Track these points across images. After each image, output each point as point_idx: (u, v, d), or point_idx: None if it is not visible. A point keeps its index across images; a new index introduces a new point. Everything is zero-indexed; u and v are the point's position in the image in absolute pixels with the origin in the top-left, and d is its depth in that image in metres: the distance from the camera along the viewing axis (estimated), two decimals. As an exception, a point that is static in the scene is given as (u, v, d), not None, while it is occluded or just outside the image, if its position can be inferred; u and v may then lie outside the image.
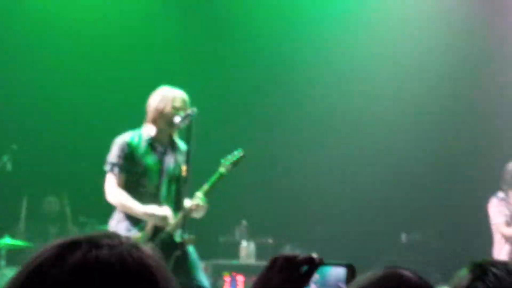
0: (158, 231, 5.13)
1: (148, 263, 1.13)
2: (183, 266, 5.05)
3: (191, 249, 5.24)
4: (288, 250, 8.39)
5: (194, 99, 5.38)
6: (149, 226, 5.12)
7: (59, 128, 8.67)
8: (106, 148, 5.32)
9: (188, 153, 5.22)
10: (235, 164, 5.34)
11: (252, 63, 9.17)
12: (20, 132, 8.27)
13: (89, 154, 7.80)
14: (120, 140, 5.22)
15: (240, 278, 7.51)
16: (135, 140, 5.23)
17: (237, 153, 5.39)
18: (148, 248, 1.17)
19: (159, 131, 5.26)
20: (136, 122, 5.37)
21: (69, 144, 8.63)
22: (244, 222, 8.26)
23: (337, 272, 1.46)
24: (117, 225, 5.15)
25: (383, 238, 8.75)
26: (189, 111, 5.21)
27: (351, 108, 9.22)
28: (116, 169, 5.16)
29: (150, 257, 1.15)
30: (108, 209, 5.30)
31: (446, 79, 9.16)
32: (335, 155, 9.17)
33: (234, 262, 7.83)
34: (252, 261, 7.89)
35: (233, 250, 8.00)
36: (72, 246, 1.11)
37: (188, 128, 5.20)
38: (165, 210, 5.14)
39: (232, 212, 8.27)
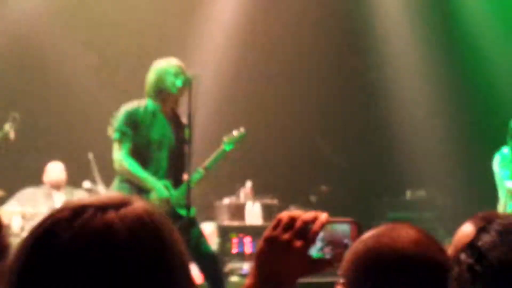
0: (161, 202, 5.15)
1: (156, 225, 1.12)
2: (187, 237, 5.06)
3: (194, 221, 5.27)
4: (293, 210, 8.42)
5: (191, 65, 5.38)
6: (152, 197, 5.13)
7: (61, 94, 8.66)
8: (108, 115, 5.32)
9: (189, 118, 5.20)
10: (237, 143, 5.47)
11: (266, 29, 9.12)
12: (22, 100, 8.26)
13: (91, 122, 7.80)
14: (127, 109, 5.24)
15: (247, 239, 7.55)
16: (141, 111, 5.23)
17: (240, 133, 5.49)
18: (156, 210, 1.15)
19: (162, 103, 5.26)
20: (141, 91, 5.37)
21: (71, 110, 8.63)
22: (248, 183, 8.26)
23: (343, 229, 1.45)
24: (119, 191, 5.17)
25: (388, 195, 8.77)
26: (187, 75, 5.21)
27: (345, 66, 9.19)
28: (123, 137, 5.17)
29: (159, 219, 1.14)
30: (112, 175, 5.31)
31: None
32: (337, 113, 9.16)
33: (241, 223, 7.86)
34: (258, 222, 7.91)
35: (238, 212, 8.02)
36: (78, 209, 1.11)
37: (189, 92, 5.19)
38: (168, 193, 5.16)
39: (236, 174, 8.27)
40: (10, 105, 7.67)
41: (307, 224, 1.41)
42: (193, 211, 5.22)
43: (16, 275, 1.09)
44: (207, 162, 5.34)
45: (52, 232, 1.09)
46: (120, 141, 5.18)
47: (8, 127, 7.04)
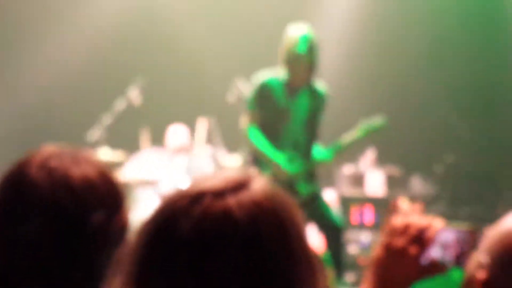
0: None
1: (275, 208, 1.14)
2: (309, 212, 5.02)
3: (317, 196, 5.26)
4: (416, 180, 8.20)
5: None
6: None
7: (186, 60, 8.79)
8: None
9: (317, 91, 5.28)
10: (374, 132, 5.33)
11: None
12: (147, 65, 8.43)
13: (216, 87, 7.86)
14: (259, 79, 5.23)
15: (367, 210, 7.44)
16: (272, 81, 5.20)
17: (379, 122, 5.36)
18: (275, 190, 1.17)
19: (294, 73, 5.18)
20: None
21: (197, 75, 8.76)
22: (370, 150, 8.07)
23: (458, 234, 1.44)
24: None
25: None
26: (315, 45, 5.15)
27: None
28: (253, 108, 5.20)
29: (278, 200, 1.15)
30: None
31: None
32: (454, 84, 8.87)
33: (361, 193, 7.74)
34: (379, 192, 7.76)
35: (359, 181, 7.89)
36: (196, 196, 1.14)
37: (315, 64, 5.20)
38: (290, 166, 5.15)
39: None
40: (136, 70, 7.84)
41: (422, 230, 1.44)
42: (314, 187, 5.20)
43: (136, 264, 1.12)
44: (338, 143, 5.30)
45: (172, 221, 1.12)
46: (249, 112, 5.21)
47: (132, 91, 7.19)
